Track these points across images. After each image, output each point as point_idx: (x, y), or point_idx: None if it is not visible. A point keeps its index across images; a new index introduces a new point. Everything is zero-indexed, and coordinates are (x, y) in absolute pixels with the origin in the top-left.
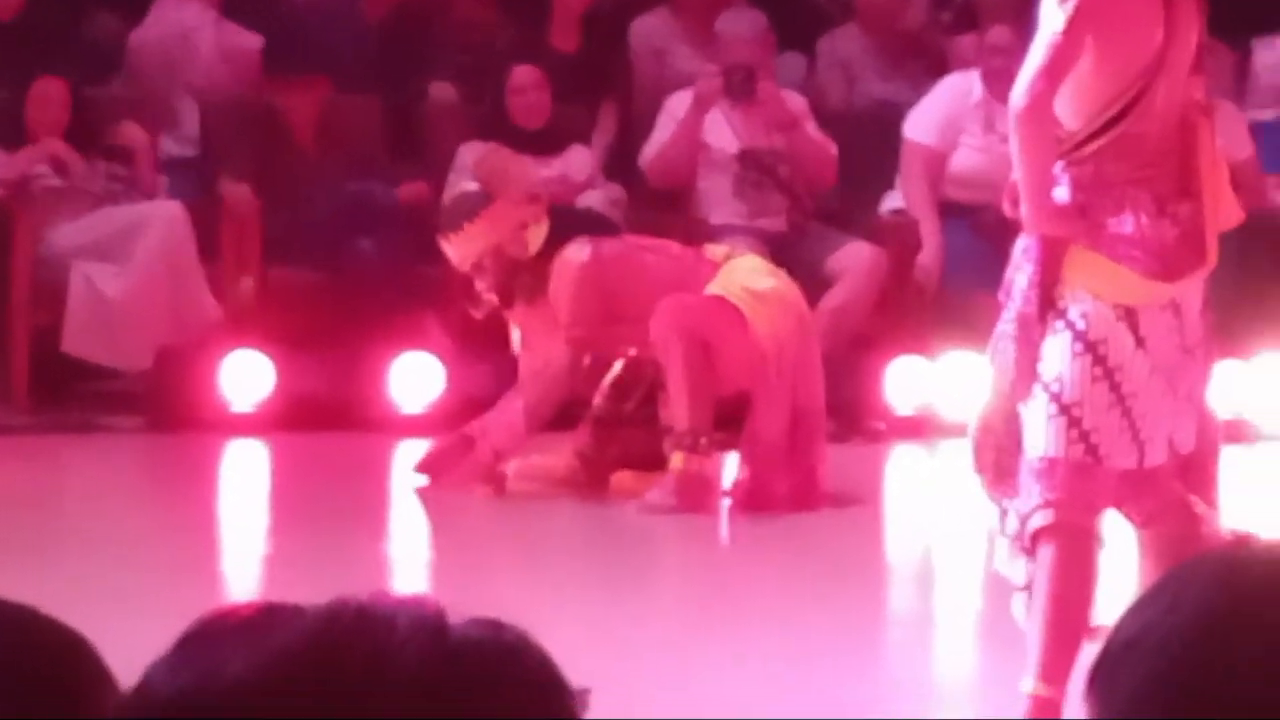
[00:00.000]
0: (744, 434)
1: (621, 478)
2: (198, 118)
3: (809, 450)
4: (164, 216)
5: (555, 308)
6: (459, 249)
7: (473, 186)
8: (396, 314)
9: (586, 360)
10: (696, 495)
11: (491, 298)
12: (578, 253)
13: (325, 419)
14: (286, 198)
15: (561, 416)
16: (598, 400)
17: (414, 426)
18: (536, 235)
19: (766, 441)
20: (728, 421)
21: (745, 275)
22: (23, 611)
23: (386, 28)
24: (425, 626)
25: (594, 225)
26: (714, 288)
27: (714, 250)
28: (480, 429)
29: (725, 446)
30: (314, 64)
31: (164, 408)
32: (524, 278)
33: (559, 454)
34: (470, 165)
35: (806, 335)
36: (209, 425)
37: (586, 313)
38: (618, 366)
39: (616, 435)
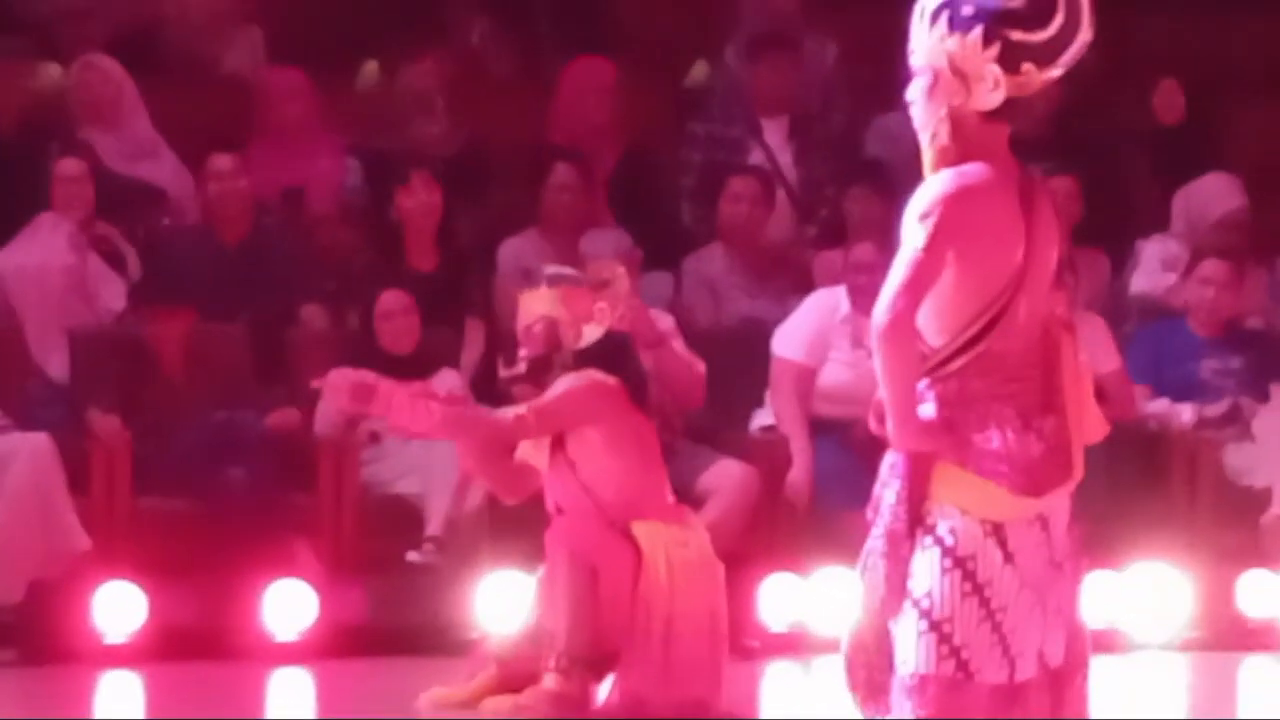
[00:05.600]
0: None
1: (492, 702)
2: (65, 349)
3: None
4: (31, 450)
5: (549, 394)
6: (526, 303)
7: (569, 271)
8: (268, 542)
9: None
10: (567, 716)
11: (521, 369)
12: (605, 376)
13: (199, 649)
14: (155, 427)
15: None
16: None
17: (288, 654)
18: (590, 333)
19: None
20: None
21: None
22: None
23: (246, 252)
24: None
25: (637, 382)
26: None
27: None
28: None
29: (601, 669)
30: (179, 294)
31: (36, 640)
32: (561, 360)
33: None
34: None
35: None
36: (82, 657)
37: (560, 418)
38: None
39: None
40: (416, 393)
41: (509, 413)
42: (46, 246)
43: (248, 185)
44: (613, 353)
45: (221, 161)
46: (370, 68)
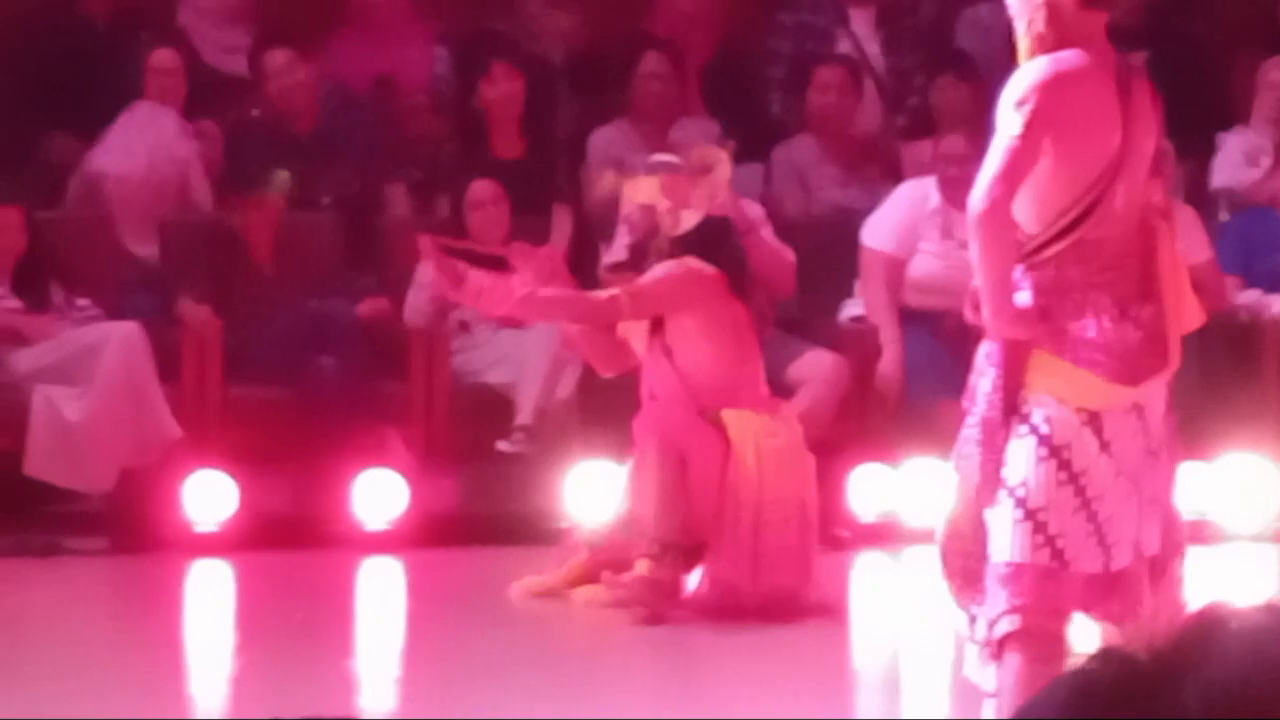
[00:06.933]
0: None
1: (583, 590)
2: (156, 237)
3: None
4: (122, 337)
5: (644, 278)
6: (627, 192)
7: (670, 158)
8: (358, 430)
9: None
10: (659, 602)
11: (622, 255)
12: (703, 265)
13: (289, 537)
14: (246, 316)
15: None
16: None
17: (377, 543)
18: (687, 219)
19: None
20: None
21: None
22: None
23: (317, 141)
24: None
25: (736, 270)
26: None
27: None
28: None
29: (692, 557)
30: (263, 183)
31: (127, 529)
32: (658, 246)
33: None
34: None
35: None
36: (173, 546)
37: (653, 302)
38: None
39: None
40: (524, 256)
41: (603, 293)
42: (153, 136)
43: (308, 76)
44: (712, 239)
45: (277, 58)
46: None
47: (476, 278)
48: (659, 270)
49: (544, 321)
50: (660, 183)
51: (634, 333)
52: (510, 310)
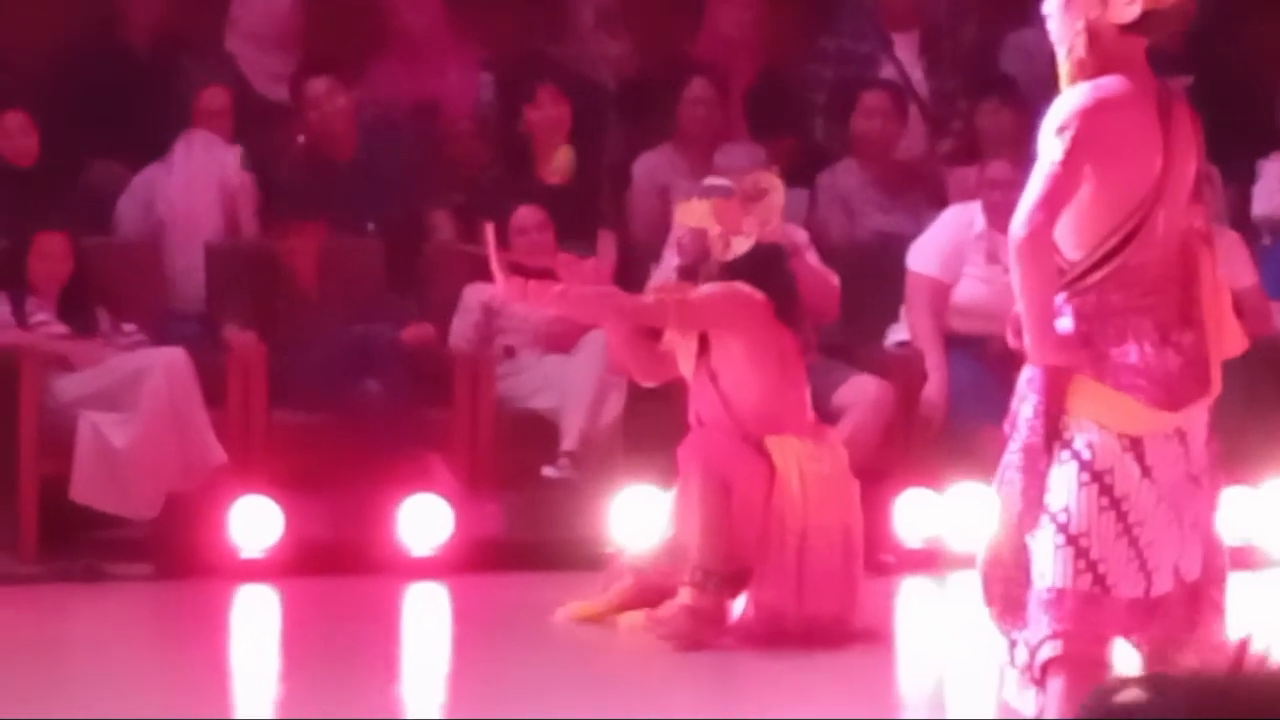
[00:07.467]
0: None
1: (628, 616)
2: (202, 263)
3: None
4: (167, 363)
5: (699, 292)
6: (680, 215)
7: (723, 182)
8: (403, 456)
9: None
10: (703, 630)
11: (671, 277)
12: (751, 290)
13: (334, 563)
14: (290, 341)
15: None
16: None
17: (422, 569)
18: (738, 245)
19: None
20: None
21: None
22: None
23: (357, 168)
24: None
25: (785, 298)
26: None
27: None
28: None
29: (736, 584)
30: (306, 209)
31: (172, 555)
32: (708, 271)
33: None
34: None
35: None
36: (218, 571)
37: (699, 315)
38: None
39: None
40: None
41: (650, 296)
42: (215, 165)
43: (347, 102)
44: (763, 265)
45: (316, 85)
46: None
47: (517, 283)
48: (708, 288)
49: (587, 320)
50: (713, 206)
51: (682, 355)
52: (554, 304)
